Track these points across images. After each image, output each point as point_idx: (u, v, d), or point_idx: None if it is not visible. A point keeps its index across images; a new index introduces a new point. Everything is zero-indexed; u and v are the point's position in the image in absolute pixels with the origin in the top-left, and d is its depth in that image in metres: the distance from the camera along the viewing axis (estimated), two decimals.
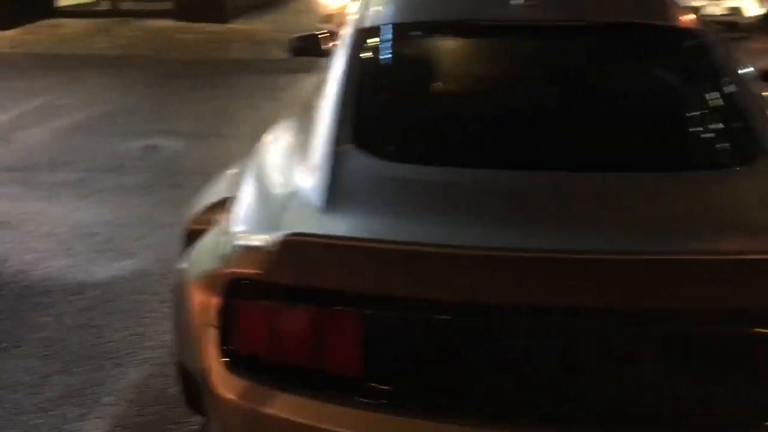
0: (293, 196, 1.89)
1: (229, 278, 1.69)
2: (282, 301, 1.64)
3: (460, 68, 2.52)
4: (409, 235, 1.63)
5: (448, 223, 1.69)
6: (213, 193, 2.39)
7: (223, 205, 2.22)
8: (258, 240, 1.69)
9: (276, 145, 2.38)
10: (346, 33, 2.61)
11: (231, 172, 2.60)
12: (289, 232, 1.57)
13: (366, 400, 1.59)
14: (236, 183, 2.27)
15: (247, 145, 5.92)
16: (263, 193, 2.02)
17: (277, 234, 1.60)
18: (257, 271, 1.65)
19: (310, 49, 3.92)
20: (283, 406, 1.62)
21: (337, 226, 1.71)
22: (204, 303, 1.76)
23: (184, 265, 2.10)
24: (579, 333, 1.55)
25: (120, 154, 5.49)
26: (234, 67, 8.28)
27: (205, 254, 1.92)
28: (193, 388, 2.08)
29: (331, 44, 3.69)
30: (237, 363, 1.70)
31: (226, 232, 1.86)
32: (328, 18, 6.43)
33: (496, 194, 1.86)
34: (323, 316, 1.61)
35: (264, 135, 2.53)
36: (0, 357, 3.07)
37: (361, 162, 1.99)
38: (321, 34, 3.93)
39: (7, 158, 5.41)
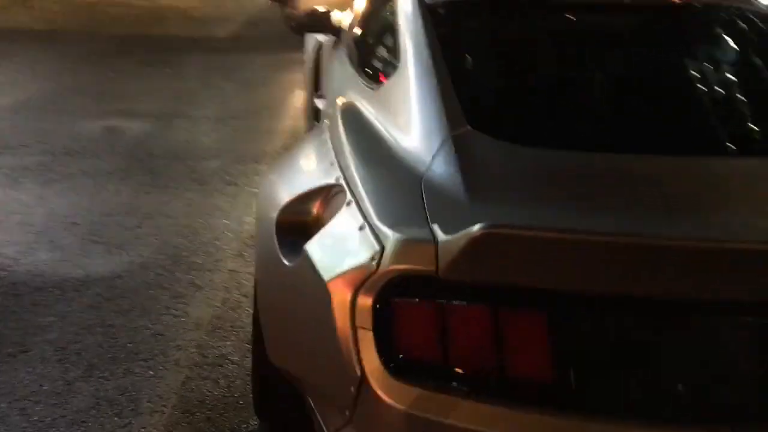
0: (425, 185, 1.73)
1: (391, 276, 1.53)
2: (460, 300, 1.49)
3: (558, 46, 2.39)
4: (591, 226, 1.51)
5: (628, 213, 1.59)
6: (295, 183, 2.18)
7: (318, 194, 2.04)
8: (423, 233, 1.53)
9: (360, 128, 2.19)
10: (410, 8, 2.44)
11: (299, 158, 2.40)
12: (485, 224, 1.42)
13: (558, 408, 1.47)
14: (323, 171, 2.08)
15: (219, 128, 5.63)
16: (384, 182, 1.84)
17: (468, 227, 1.43)
18: (428, 268, 1.49)
19: (319, 26, 3.73)
20: (468, 414, 1.47)
21: (495, 216, 1.57)
22: (349, 303, 1.58)
23: (288, 263, 1.90)
24: None
25: (79, 137, 5.07)
26: (177, 45, 7.85)
27: (337, 249, 1.73)
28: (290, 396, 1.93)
29: (344, 22, 3.50)
30: (398, 368, 1.54)
31: (363, 225, 1.68)
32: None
33: (648, 180, 1.77)
34: (514, 317, 1.47)
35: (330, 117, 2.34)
36: (9, 364, 2.75)
37: (487, 146, 1.86)
38: (330, 11, 3.73)
39: None
